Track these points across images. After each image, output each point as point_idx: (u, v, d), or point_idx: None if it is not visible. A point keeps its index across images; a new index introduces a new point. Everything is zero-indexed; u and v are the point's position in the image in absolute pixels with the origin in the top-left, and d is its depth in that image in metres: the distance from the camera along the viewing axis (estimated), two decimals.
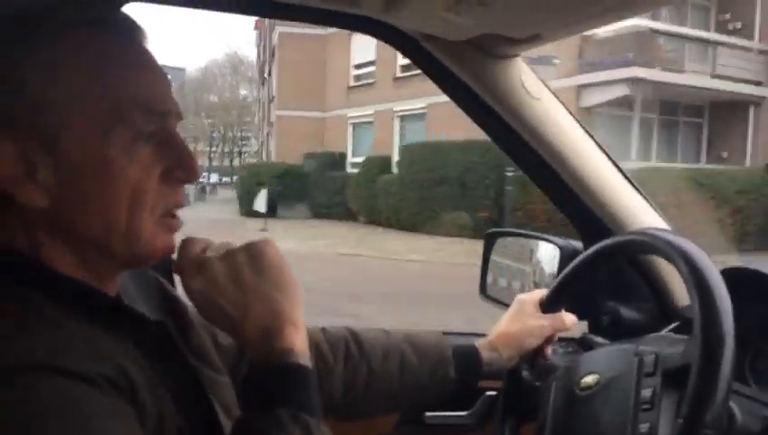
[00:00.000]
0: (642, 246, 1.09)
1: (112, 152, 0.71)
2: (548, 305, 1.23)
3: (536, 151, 1.31)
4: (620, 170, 1.35)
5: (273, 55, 29.99)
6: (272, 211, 21.62)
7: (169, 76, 0.80)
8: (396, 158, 20.72)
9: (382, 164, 20.35)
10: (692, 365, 0.87)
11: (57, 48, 0.71)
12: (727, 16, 18.46)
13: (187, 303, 0.88)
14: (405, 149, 19.86)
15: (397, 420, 1.41)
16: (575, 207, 1.36)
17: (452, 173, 16.68)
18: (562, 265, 1.37)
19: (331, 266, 12.07)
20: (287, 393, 0.73)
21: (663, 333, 1.17)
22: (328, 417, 0.92)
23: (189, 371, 0.82)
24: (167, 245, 0.77)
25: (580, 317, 1.29)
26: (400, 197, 18.41)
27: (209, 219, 18.06)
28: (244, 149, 65.79)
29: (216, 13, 1.43)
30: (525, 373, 1.22)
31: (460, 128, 17.37)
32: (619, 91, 16.36)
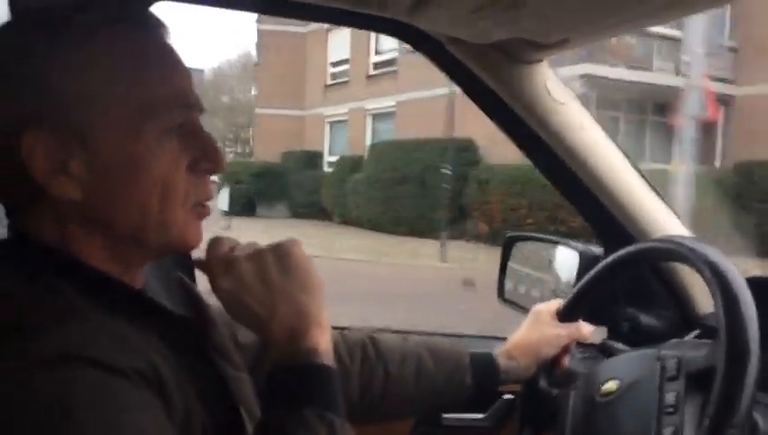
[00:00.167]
0: (666, 254, 1.09)
1: (143, 146, 0.73)
2: (565, 314, 1.23)
3: (559, 157, 1.31)
4: (643, 177, 1.34)
5: None
6: (250, 210, 21.47)
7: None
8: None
9: (354, 163, 20.04)
10: (717, 368, 0.86)
11: (86, 46, 0.72)
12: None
13: (208, 300, 0.90)
14: (372, 148, 19.70)
15: (414, 422, 1.42)
16: (597, 213, 1.35)
17: (413, 172, 16.50)
18: (581, 270, 1.36)
19: None
20: (313, 393, 0.74)
21: (684, 339, 1.15)
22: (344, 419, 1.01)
23: (212, 367, 0.83)
24: (197, 235, 0.79)
25: (600, 323, 1.29)
26: (368, 196, 18.23)
27: None
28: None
29: (236, 12, 1.49)
30: (543, 382, 1.22)
31: (428, 126, 17.18)
32: (575, 89, 15.60)
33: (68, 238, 0.74)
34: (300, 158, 23.61)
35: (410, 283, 10.61)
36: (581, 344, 1.29)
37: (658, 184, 1.37)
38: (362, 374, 1.14)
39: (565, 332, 1.22)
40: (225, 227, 16.75)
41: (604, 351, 1.26)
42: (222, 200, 18.08)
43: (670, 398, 0.94)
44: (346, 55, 23.64)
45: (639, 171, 1.34)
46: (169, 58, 0.78)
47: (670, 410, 0.93)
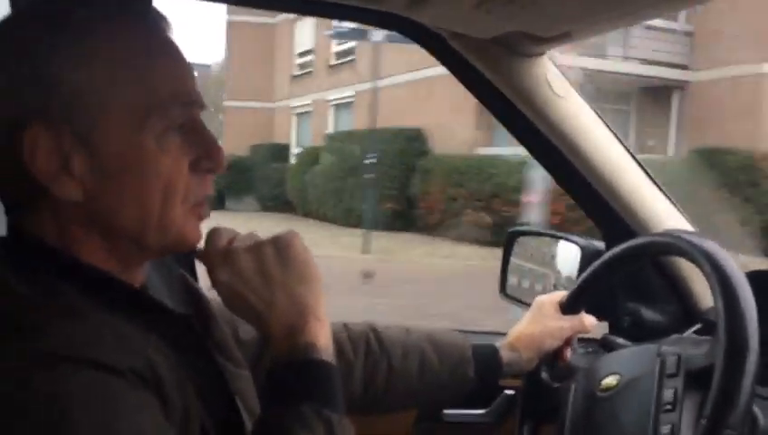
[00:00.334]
0: (666, 248, 1.10)
1: (145, 143, 0.72)
2: (568, 307, 1.23)
3: (560, 151, 1.30)
4: (645, 170, 1.33)
5: None
6: (220, 204, 21.30)
7: (195, 73, 0.81)
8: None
9: (315, 155, 19.79)
10: (716, 366, 0.86)
11: (89, 40, 0.72)
12: None
13: (209, 297, 0.90)
14: (328, 139, 19.51)
15: (415, 417, 1.42)
16: (598, 207, 1.35)
17: (362, 163, 16.18)
18: (583, 265, 1.35)
19: None
20: (311, 389, 0.73)
21: (685, 334, 1.15)
22: (346, 411, 0.92)
23: (212, 364, 0.82)
24: (196, 233, 0.78)
25: (601, 318, 1.28)
26: (324, 188, 18.02)
27: None
28: None
29: (241, 8, 1.49)
30: (545, 375, 1.22)
31: (386, 116, 16.82)
32: None
33: (68, 238, 0.74)
34: (268, 150, 23.23)
35: None
36: (582, 339, 1.29)
37: None
38: (366, 368, 1.14)
39: (568, 324, 1.22)
40: None
41: (605, 345, 1.26)
42: None
43: (669, 395, 0.94)
44: (311, 45, 23.30)
45: (641, 165, 1.33)
46: (171, 53, 0.77)
47: (668, 407, 0.93)
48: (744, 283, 0.91)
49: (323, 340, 0.77)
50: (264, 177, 22.37)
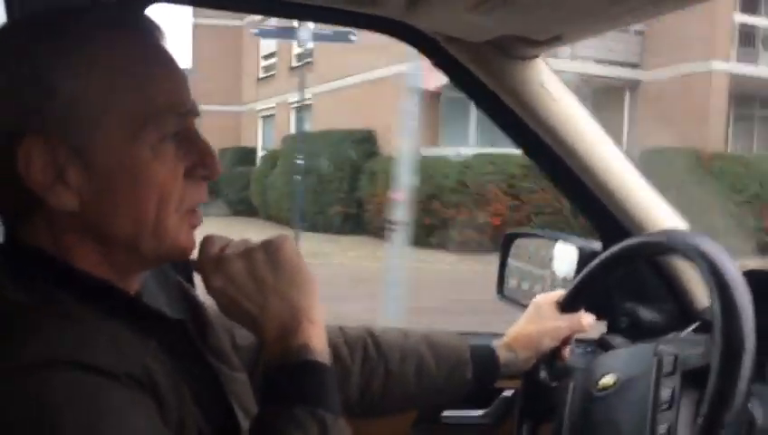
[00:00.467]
0: (662, 247, 1.10)
1: (141, 153, 0.72)
2: (566, 306, 1.23)
3: (555, 152, 1.31)
4: (639, 171, 1.34)
5: None
6: None
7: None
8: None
9: (275, 158, 19.59)
10: (711, 366, 0.86)
11: (86, 50, 0.72)
12: None
13: (206, 303, 0.90)
14: (283, 142, 19.37)
15: (414, 419, 1.42)
16: (594, 208, 1.36)
17: (312, 165, 16.00)
18: (581, 265, 1.35)
19: None
20: (304, 390, 0.74)
21: (683, 333, 1.15)
22: (343, 416, 0.91)
23: (208, 369, 0.82)
24: (190, 241, 0.79)
25: (598, 318, 1.28)
26: (281, 191, 17.76)
27: None
28: None
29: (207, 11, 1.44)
30: (543, 374, 1.22)
31: (342, 118, 16.61)
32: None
33: (63, 246, 0.74)
34: (236, 154, 22.96)
35: None
36: (580, 339, 1.29)
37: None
38: (363, 373, 1.13)
39: (566, 323, 1.22)
40: None
41: (602, 345, 1.26)
42: None
43: (666, 394, 0.95)
44: (274, 48, 23.11)
45: (636, 166, 1.33)
46: (166, 63, 0.77)
47: (665, 406, 0.94)
48: (741, 282, 0.91)
49: (317, 342, 0.77)
50: (232, 181, 22.20)
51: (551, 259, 1.50)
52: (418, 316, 6.13)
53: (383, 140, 15.60)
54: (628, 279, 1.36)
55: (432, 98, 15.35)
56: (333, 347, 1.08)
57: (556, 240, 1.50)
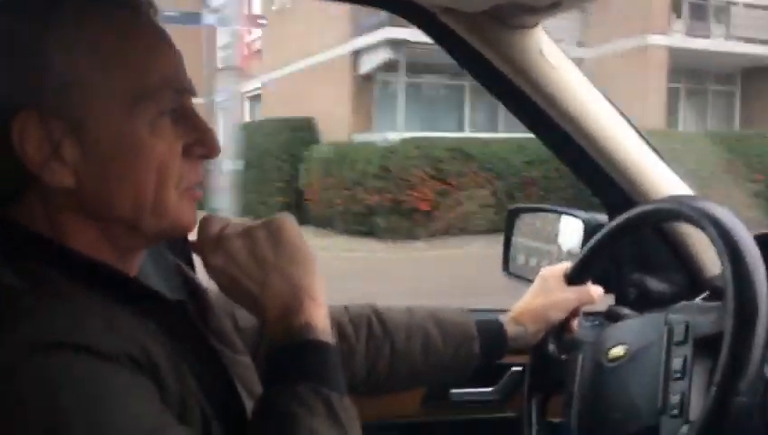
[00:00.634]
0: (671, 214, 1.07)
1: (138, 129, 0.72)
2: (573, 277, 1.21)
3: (557, 123, 1.29)
4: (644, 139, 1.32)
5: None
6: None
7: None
8: None
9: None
10: (725, 332, 0.85)
11: (82, 25, 0.71)
12: None
13: (206, 286, 0.89)
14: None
15: (422, 397, 1.41)
16: (599, 179, 1.34)
17: (254, 156, 15.76)
18: (586, 238, 1.33)
19: None
20: (307, 369, 0.73)
21: (693, 302, 1.13)
22: (351, 394, 0.90)
23: (209, 350, 0.82)
24: (191, 217, 0.78)
25: (606, 291, 1.26)
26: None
27: None
28: None
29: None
30: (551, 348, 1.20)
31: (288, 106, 16.20)
32: (384, 55, 14.47)
33: (59, 226, 0.73)
34: None
35: None
36: (588, 313, 1.27)
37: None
38: (368, 352, 1.12)
39: (574, 295, 1.20)
40: None
41: (611, 317, 1.24)
42: None
43: (678, 363, 0.93)
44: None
45: (640, 133, 1.31)
46: (163, 39, 0.76)
47: (677, 375, 0.92)
48: (753, 246, 0.89)
49: (319, 320, 0.76)
50: None
51: (556, 234, 1.49)
52: None
53: (325, 126, 15.31)
54: (636, 250, 1.35)
55: (365, 82, 15.09)
56: (338, 326, 1.10)
57: (561, 214, 1.49)
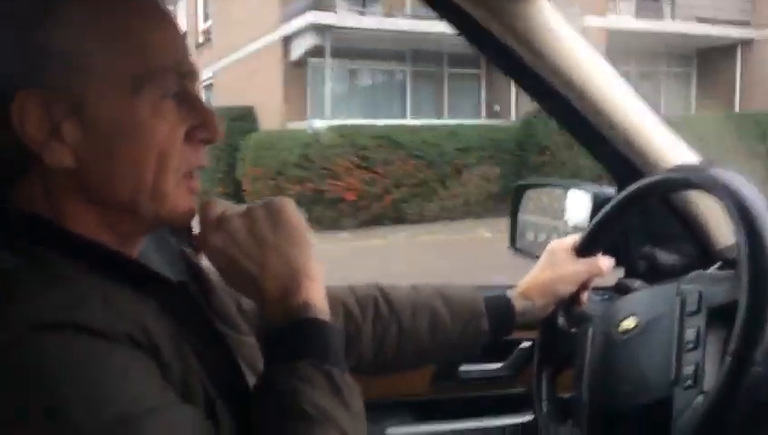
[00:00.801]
0: (682, 182, 1.06)
1: (140, 110, 0.71)
2: (583, 250, 1.19)
3: (563, 94, 1.25)
4: (651, 110, 1.29)
5: None
6: None
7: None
8: None
9: None
10: (739, 300, 0.83)
11: (83, 3, 0.70)
12: None
13: (209, 269, 0.88)
14: None
15: (432, 375, 1.41)
16: (607, 151, 1.31)
17: None
18: (595, 212, 1.30)
19: None
20: (308, 346, 0.73)
21: (706, 271, 1.11)
22: (359, 374, 0.91)
23: (213, 331, 0.81)
24: (189, 205, 0.77)
25: (616, 265, 1.25)
26: None
27: None
28: None
29: None
30: (561, 321, 1.19)
31: (235, 95, 15.95)
32: (311, 40, 14.17)
33: (60, 208, 0.72)
34: None
35: None
36: (596, 287, 1.26)
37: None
38: (375, 332, 1.12)
39: (584, 267, 1.19)
40: None
41: (620, 290, 1.21)
42: None
43: (691, 334, 0.92)
44: (185, 26, 22.54)
45: (647, 103, 1.28)
46: (165, 21, 0.75)
47: (691, 346, 0.91)
48: (767, 211, 0.87)
49: (318, 299, 0.76)
50: None
51: (563, 208, 1.47)
52: None
53: (263, 115, 15.00)
54: (645, 222, 1.33)
55: (297, 68, 14.74)
56: (344, 307, 1.10)
57: (568, 188, 1.46)
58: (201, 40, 21.02)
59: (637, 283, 1.20)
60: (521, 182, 1.61)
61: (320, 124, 12.73)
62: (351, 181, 11.75)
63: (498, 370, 1.45)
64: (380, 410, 1.38)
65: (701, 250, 1.29)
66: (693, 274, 1.04)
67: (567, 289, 1.19)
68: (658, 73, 17.46)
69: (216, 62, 18.27)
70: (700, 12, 15.91)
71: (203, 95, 18.87)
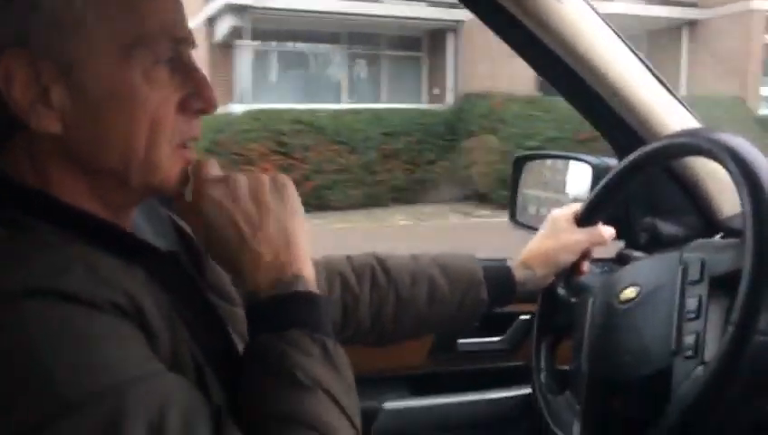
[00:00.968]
0: (685, 148, 1.04)
1: (131, 76, 0.69)
2: (584, 219, 1.18)
3: (564, 62, 1.22)
4: (657, 77, 1.25)
5: None
6: None
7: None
8: None
9: None
10: (743, 268, 0.81)
11: None
12: None
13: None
14: None
15: (430, 348, 1.40)
16: (609, 120, 1.28)
17: None
18: (595, 183, 1.27)
19: None
20: (301, 316, 0.71)
21: (709, 240, 1.10)
22: (357, 345, 0.98)
23: (204, 301, 0.80)
24: (182, 175, 0.75)
25: (618, 237, 1.24)
26: None
27: None
28: None
29: None
30: (561, 291, 1.18)
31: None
32: (230, 21, 13.64)
33: (47, 176, 0.70)
34: None
35: None
36: (597, 259, 1.25)
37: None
38: (372, 301, 1.11)
39: (585, 236, 1.18)
40: None
41: (621, 261, 1.21)
42: None
43: (692, 303, 0.91)
44: None
45: (651, 70, 1.25)
46: None
47: (692, 315, 0.90)
48: None
49: (308, 272, 0.75)
50: None
51: (564, 180, 1.46)
52: None
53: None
54: (647, 193, 1.30)
55: (222, 51, 14.31)
56: (341, 276, 1.10)
57: (569, 159, 1.45)
58: None
59: (637, 253, 1.19)
60: (519, 154, 1.57)
61: (238, 109, 12.31)
62: (267, 167, 11.32)
63: (497, 343, 1.45)
64: (378, 384, 1.39)
65: (704, 220, 1.27)
66: (696, 242, 1.03)
67: (568, 258, 1.18)
68: None
69: None
70: None
71: None
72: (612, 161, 1.32)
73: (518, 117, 11.81)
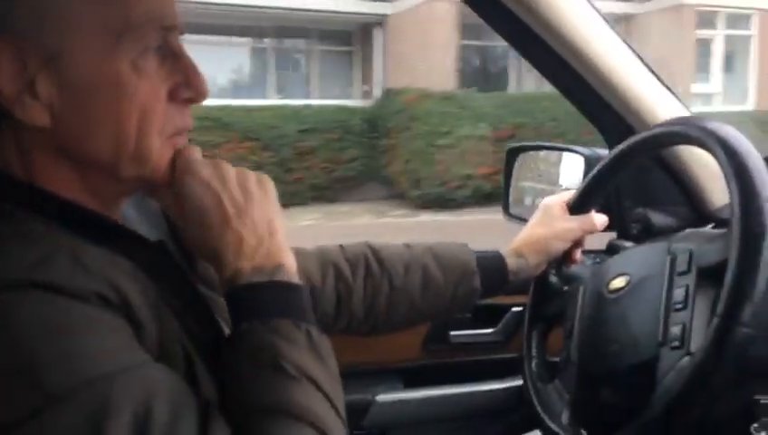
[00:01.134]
0: (674, 137, 1.03)
1: (120, 66, 0.67)
2: (576, 206, 1.19)
3: (554, 50, 1.22)
4: (648, 67, 1.26)
5: None
6: None
7: None
8: None
9: None
10: (729, 258, 0.81)
11: None
12: None
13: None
14: None
15: (423, 339, 1.42)
16: (599, 110, 1.29)
17: None
18: (587, 173, 1.27)
19: None
20: (286, 305, 0.71)
21: (698, 230, 1.10)
22: (351, 336, 1.00)
23: (192, 289, 0.80)
24: (172, 167, 0.74)
25: (609, 228, 1.24)
26: None
27: None
28: None
29: None
30: (553, 279, 1.19)
31: None
32: None
33: (35, 168, 0.70)
34: None
35: None
36: (588, 251, 1.26)
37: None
38: (366, 291, 1.11)
39: (577, 224, 1.18)
40: None
41: (612, 251, 1.21)
42: None
43: (680, 293, 0.91)
44: None
45: (642, 60, 1.25)
46: None
47: (679, 305, 0.90)
48: (762, 167, 0.85)
49: (291, 263, 0.74)
50: None
51: (556, 171, 1.47)
52: None
53: None
54: (638, 184, 1.31)
55: None
56: (335, 266, 1.10)
57: (562, 151, 1.47)
58: None
59: (628, 244, 1.19)
60: (512, 145, 1.57)
61: None
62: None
63: (489, 335, 1.45)
64: (370, 377, 1.40)
65: (695, 211, 1.28)
66: (685, 232, 1.03)
67: (560, 246, 1.18)
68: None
69: None
70: None
71: None
72: (604, 152, 1.31)
73: (431, 114, 11.54)
